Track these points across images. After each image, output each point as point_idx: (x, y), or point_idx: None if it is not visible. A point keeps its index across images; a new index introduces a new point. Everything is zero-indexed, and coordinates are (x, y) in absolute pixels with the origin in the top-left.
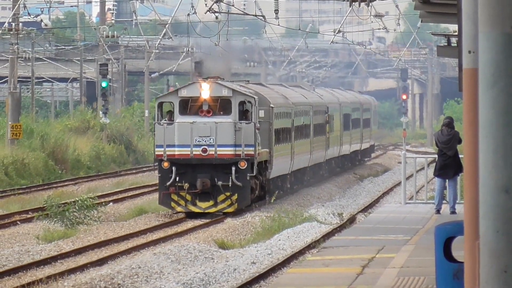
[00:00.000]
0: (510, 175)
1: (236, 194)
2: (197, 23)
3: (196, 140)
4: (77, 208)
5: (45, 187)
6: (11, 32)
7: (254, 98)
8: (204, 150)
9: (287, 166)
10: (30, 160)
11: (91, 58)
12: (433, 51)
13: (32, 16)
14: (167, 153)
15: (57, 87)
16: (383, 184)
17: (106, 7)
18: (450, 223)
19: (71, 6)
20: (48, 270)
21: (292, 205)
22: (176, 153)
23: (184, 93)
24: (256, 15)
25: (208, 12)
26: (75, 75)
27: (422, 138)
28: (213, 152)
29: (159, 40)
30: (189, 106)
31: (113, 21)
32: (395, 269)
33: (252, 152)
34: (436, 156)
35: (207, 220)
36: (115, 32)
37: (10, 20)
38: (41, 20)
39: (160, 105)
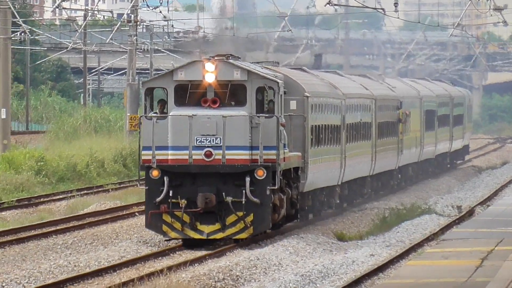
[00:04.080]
0: None
1: (252, 215)
2: (316, 16)
3: (197, 140)
4: None
5: None
6: (130, 24)
7: (278, 82)
8: (208, 154)
9: (335, 175)
10: None
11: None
12: None
13: (151, 8)
14: (158, 157)
15: None
16: (501, 177)
17: None
18: None
19: None
20: (166, 262)
21: (410, 197)
22: (170, 157)
23: (181, 75)
24: (375, 8)
25: (327, 5)
26: None
27: None
28: (220, 157)
29: (278, 32)
30: (188, 93)
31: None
32: None
33: (274, 157)
34: None
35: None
36: (234, 24)
37: (129, 12)
38: (160, 12)
39: (149, 92)
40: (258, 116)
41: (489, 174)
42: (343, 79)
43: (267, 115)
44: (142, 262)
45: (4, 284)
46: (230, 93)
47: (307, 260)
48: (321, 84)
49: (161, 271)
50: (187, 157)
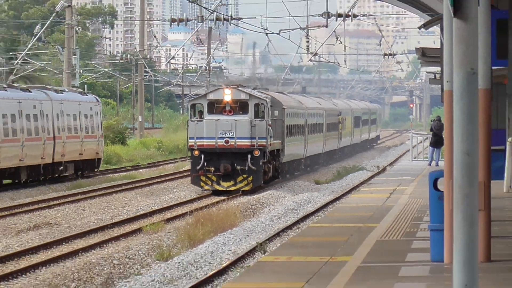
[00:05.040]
0: (469, 145)
1: (252, 176)
2: (303, 66)
3: (220, 134)
4: None
5: None
6: (206, 71)
7: (266, 100)
8: (227, 141)
9: (301, 152)
10: None
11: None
12: (426, 81)
13: (217, 62)
14: (197, 143)
15: None
16: (400, 150)
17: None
18: (437, 171)
19: (239, 57)
20: (224, 196)
21: (352, 161)
22: (205, 143)
23: (211, 96)
24: (334, 62)
25: (309, 61)
26: None
27: (420, 126)
28: (233, 143)
29: (283, 75)
30: (215, 107)
31: (257, 65)
32: (407, 195)
33: (264, 143)
34: (431, 135)
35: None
36: (262, 72)
37: (206, 64)
38: (222, 64)
39: (193, 106)
40: (255, 120)
41: (393, 149)
42: (306, 98)
43: (260, 119)
44: (214, 196)
45: (140, 208)
46: (239, 107)
47: (299, 194)
48: (293, 101)
49: (223, 200)
50: (214, 143)
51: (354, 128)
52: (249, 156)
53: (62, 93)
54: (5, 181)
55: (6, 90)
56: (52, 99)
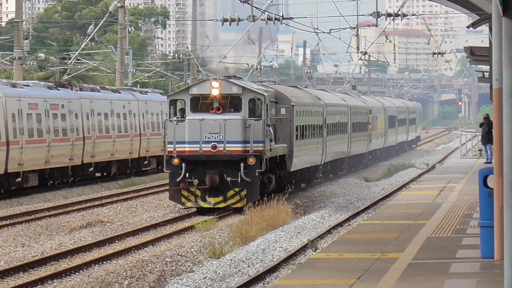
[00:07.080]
0: None
1: (245, 190)
2: (354, 66)
3: (205, 137)
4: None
5: None
6: (257, 70)
7: (264, 95)
8: (214, 147)
9: (318, 158)
10: None
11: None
12: (475, 79)
13: (268, 61)
14: (177, 149)
15: None
16: (449, 148)
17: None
18: (487, 168)
19: (289, 57)
20: (283, 197)
21: (402, 159)
22: (186, 149)
23: (195, 90)
24: (384, 61)
25: (359, 60)
26: None
27: (469, 124)
28: (222, 149)
29: (333, 74)
30: (200, 103)
31: (307, 64)
32: (457, 192)
33: (261, 148)
34: (480, 133)
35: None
36: (305, 71)
37: (256, 63)
38: (273, 64)
39: (173, 102)
40: (250, 119)
41: (442, 147)
42: (327, 94)
43: (256, 118)
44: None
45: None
46: (230, 103)
47: (349, 191)
48: (307, 96)
49: (274, 199)
50: (198, 149)
51: (388, 128)
52: (242, 165)
53: (146, 94)
54: (97, 174)
55: (100, 91)
56: (138, 99)
